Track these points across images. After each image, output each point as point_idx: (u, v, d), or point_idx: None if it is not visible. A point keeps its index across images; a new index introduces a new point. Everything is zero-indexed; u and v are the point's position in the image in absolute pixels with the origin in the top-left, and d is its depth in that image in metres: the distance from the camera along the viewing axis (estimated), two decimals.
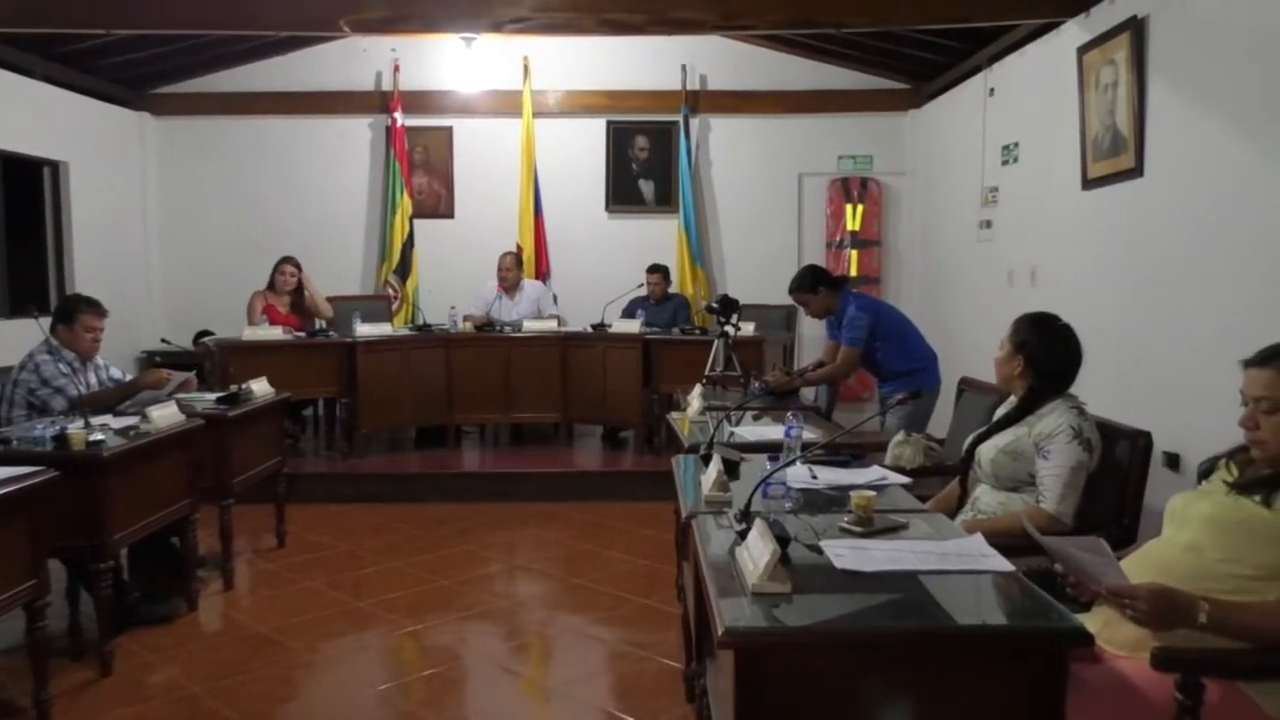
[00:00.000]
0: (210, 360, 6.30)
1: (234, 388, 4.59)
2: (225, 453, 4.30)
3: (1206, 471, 2.11)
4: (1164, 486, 2.49)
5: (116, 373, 4.46)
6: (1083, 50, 4.85)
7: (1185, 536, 1.96)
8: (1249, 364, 1.96)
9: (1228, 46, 3.80)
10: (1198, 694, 1.74)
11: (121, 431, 3.65)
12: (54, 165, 6.90)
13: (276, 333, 6.44)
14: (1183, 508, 2.02)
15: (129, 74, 7.46)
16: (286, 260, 6.85)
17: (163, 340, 7.58)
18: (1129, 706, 1.83)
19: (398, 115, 7.78)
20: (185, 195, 8.01)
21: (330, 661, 3.70)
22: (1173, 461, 3.92)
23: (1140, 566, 1.93)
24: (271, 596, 4.35)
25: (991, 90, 6.21)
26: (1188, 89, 4.08)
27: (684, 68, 7.84)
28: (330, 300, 7.19)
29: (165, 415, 3.87)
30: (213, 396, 4.49)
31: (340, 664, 3.68)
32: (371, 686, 3.44)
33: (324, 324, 6.90)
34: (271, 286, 6.83)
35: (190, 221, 8.01)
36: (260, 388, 4.75)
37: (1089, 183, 4.85)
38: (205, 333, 7.24)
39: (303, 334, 6.55)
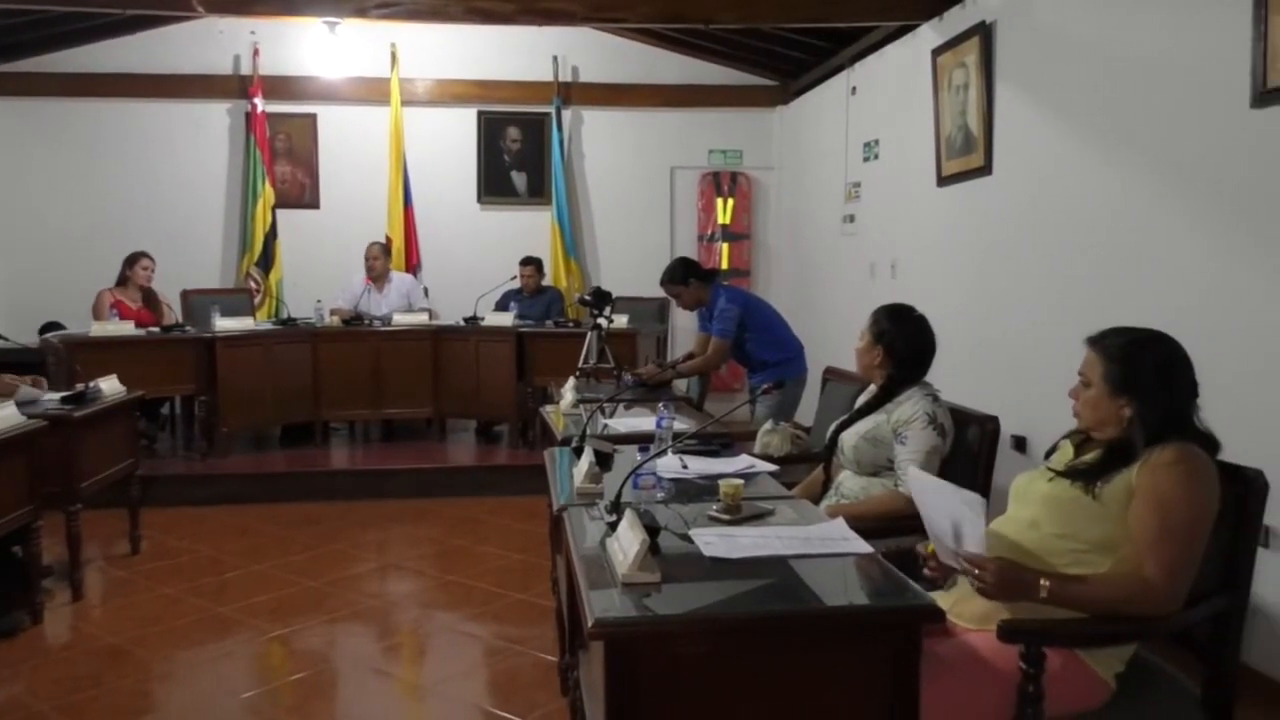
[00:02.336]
0: (55, 357, 5.92)
1: (81, 386, 4.34)
2: (72, 455, 4.06)
3: (1051, 451, 2.25)
4: (1013, 467, 2.63)
5: None
6: (937, 53, 5.07)
7: (1026, 513, 2.08)
8: (1086, 341, 2.11)
9: (1068, 53, 4.04)
10: (1040, 662, 1.86)
11: None
12: None
13: (128, 328, 6.12)
14: (1025, 486, 2.15)
15: None
16: (143, 254, 6.53)
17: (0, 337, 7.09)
18: (978, 676, 1.93)
19: (258, 101, 7.48)
20: (23, 182, 7.51)
21: (190, 671, 3.54)
22: (1020, 444, 4.16)
23: (987, 542, 2.04)
24: (125, 606, 4.14)
25: (854, 89, 6.42)
26: (1031, 92, 4.32)
27: (556, 59, 7.81)
28: (187, 293, 6.88)
29: (3, 417, 3.63)
30: (57, 396, 4.24)
31: (201, 673, 3.53)
32: (234, 695, 3.32)
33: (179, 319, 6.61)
34: (123, 282, 6.50)
35: (30, 210, 7.51)
36: (110, 386, 4.51)
37: (943, 180, 5.07)
38: (53, 325, 6.80)
39: (156, 329, 6.24)
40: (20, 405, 3.87)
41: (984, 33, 4.59)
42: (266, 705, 3.24)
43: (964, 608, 2.06)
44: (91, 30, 7.18)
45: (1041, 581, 1.89)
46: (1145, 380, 1.98)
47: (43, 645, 3.72)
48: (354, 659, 3.72)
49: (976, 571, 1.90)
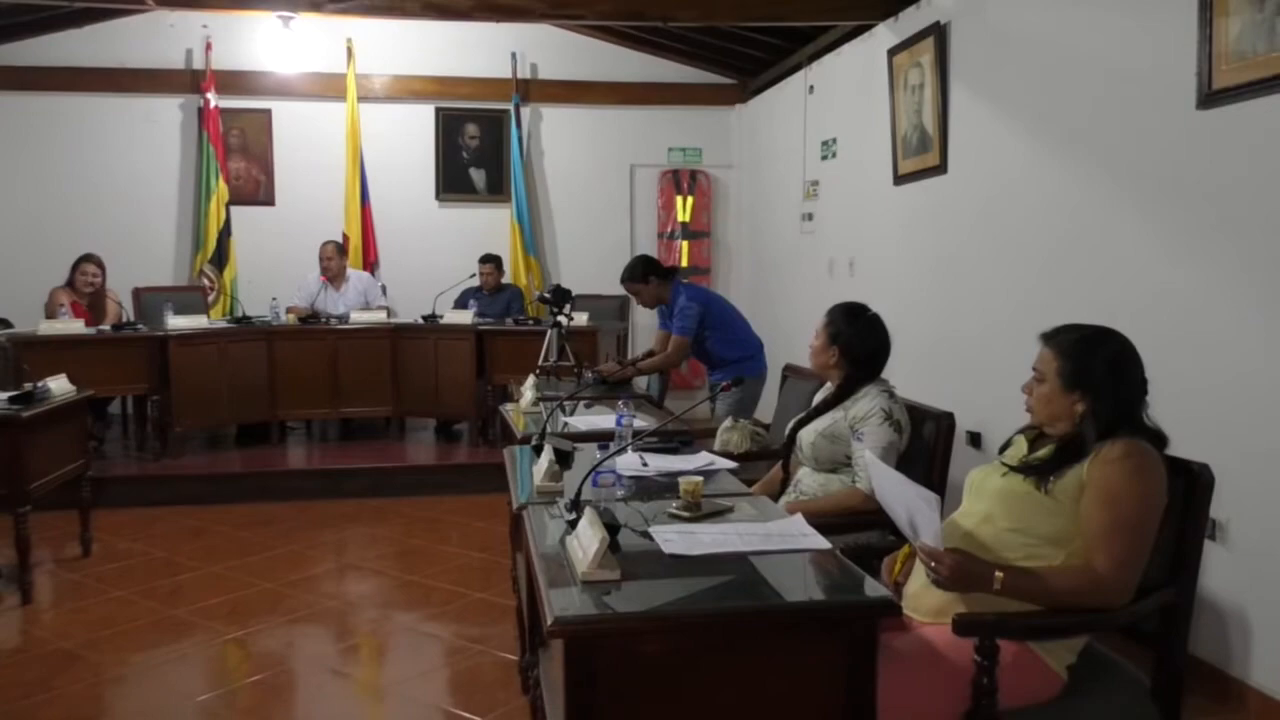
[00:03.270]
0: (1, 356, 5.79)
1: (28, 386, 4.25)
2: (19, 456, 3.98)
3: (1005, 446, 2.29)
4: (968, 463, 2.67)
5: None
6: (892, 52, 5.12)
7: (981, 507, 2.12)
8: (1040, 337, 2.14)
9: (1020, 54, 4.11)
10: (994, 655, 1.89)
11: None
12: None
13: (78, 326, 6.01)
14: (980, 481, 2.19)
15: None
16: (87, 259, 6.42)
17: None
18: (934, 669, 1.96)
19: (210, 96, 7.36)
20: None
21: (143, 675, 3.48)
22: (974, 439, 4.22)
23: (943, 536, 2.07)
24: (76, 609, 4.06)
25: (811, 88, 6.46)
26: (985, 92, 4.38)
27: (514, 55, 7.78)
28: (139, 291, 6.76)
29: None
30: (4, 395, 4.14)
31: (154, 676, 3.47)
32: (189, 698, 3.27)
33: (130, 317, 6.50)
34: (71, 285, 6.38)
35: None
36: (59, 385, 4.42)
37: (900, 178, 5.13)
38: (2, 322, 6.65)
39: (107, 327, 6.13)
40: None
41: (938, 33, 4.65)
42: (222, 708, 3.20)
43: (920, 602, 2.10)
44: (40, 23, 7.02)
45: (995, 574, 1.92)
46: (1098, 376, 2.02)
47: None
48: (312, 660, 3.68)
49: (933, 565, 1.93)
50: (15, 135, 7.36)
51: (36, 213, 7.34)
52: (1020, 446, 2.20)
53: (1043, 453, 2.09)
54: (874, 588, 1.82)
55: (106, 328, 6.13)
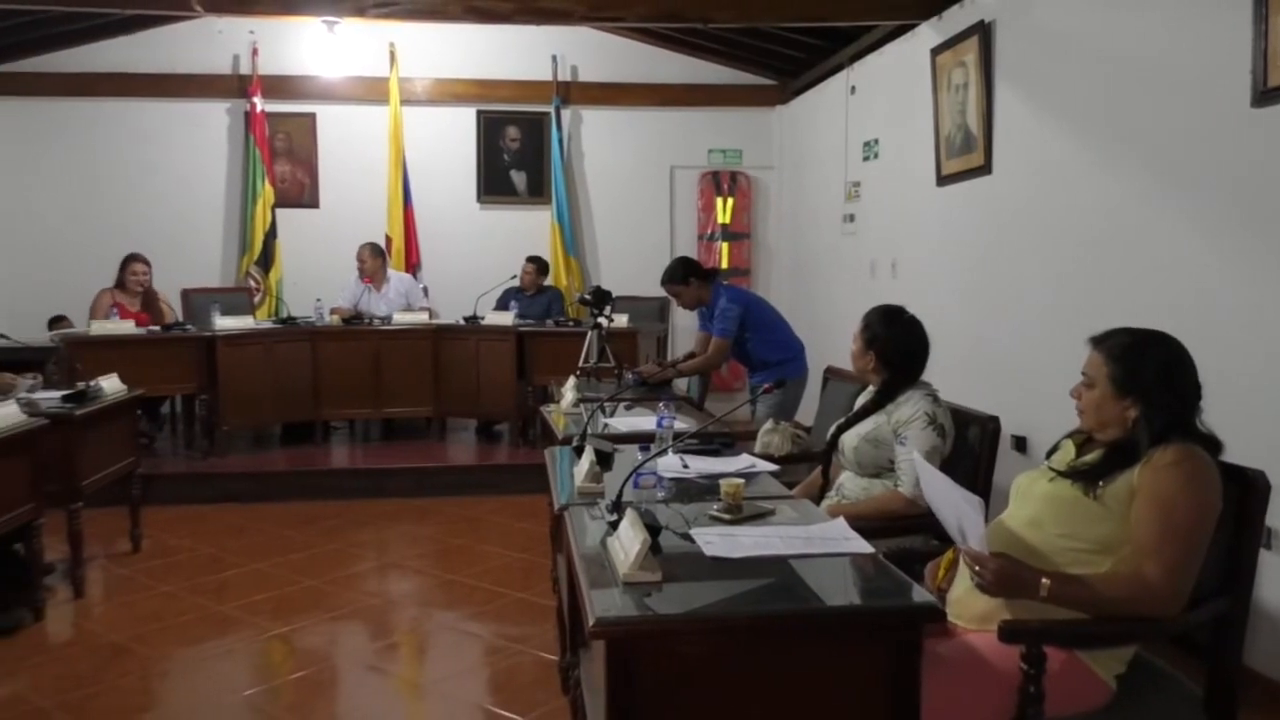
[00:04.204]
0: (56, 356, 5.93)
1: (82, 385, 4.34)
2: (73, 454, 4.07)
3: (1053, 450, 2.26)
4: (1013, 468, 2.64)
5: None
6: (936, 52, 5.07)
7: (1028, 512, 2.09)
8: (1090, 341, 2.11)
9: (1067, 52, 4.04)
10: (1040, 663, 1.86)
11: None
12: None
13: (128, 326, 6.13)
14: (1027, 485, 2.15)
15: None
16: (135, 258, 6.55)
17: (0, 335, 7.08)
18: (979, 676, 1.94)
19: (257, 100, 7.49)
20: (24, 182, 7.51)
21: (191, 669, 3.55)
22: (1020, 444, 4.16)
23: (988, 540, 2.04)
24: (126, 603, 4.14)
25: (853, 88, 6.42)
26: (1031, 92, 4.32)
27: (555, 58, 7.81)
28: (187, 292, 6.90)
29: (5, 415, 3.63)
30: (58, 394, 4.24)
31: (202, 671, 3.54)
32: (236, 693, 3.32)
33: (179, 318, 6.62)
34: (121, 285, 6.51)
35: (31, 210, 7.51)
36: (111, 385, 4.52)
37: (943, 179, 5.08)
38: (60, 318, 6.81)
39: (157, 328, 6.25)
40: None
41: (983, 32, 4.59)
42: (267, 703, 3.24)
43: (964, 608, 2.07)
44: (91, 30, 7.18)
45: (1042, 580, 1.89)
46: (1149, 381, 1.99)
47: (44, 642, 3.73)
48: (354, 657, 3.72)
49: (978, 569, 1.91)
50: (69, 140, 7.53)
51: (88, 216, 7.51)
52: (1068, 451, 2.17)
53: (1091, 457, 2.06)
54: (919, 592, 1.80)
55: (157, 328, 6.24)
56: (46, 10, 6.16)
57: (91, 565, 4.48)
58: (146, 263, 6.62)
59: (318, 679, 3.47)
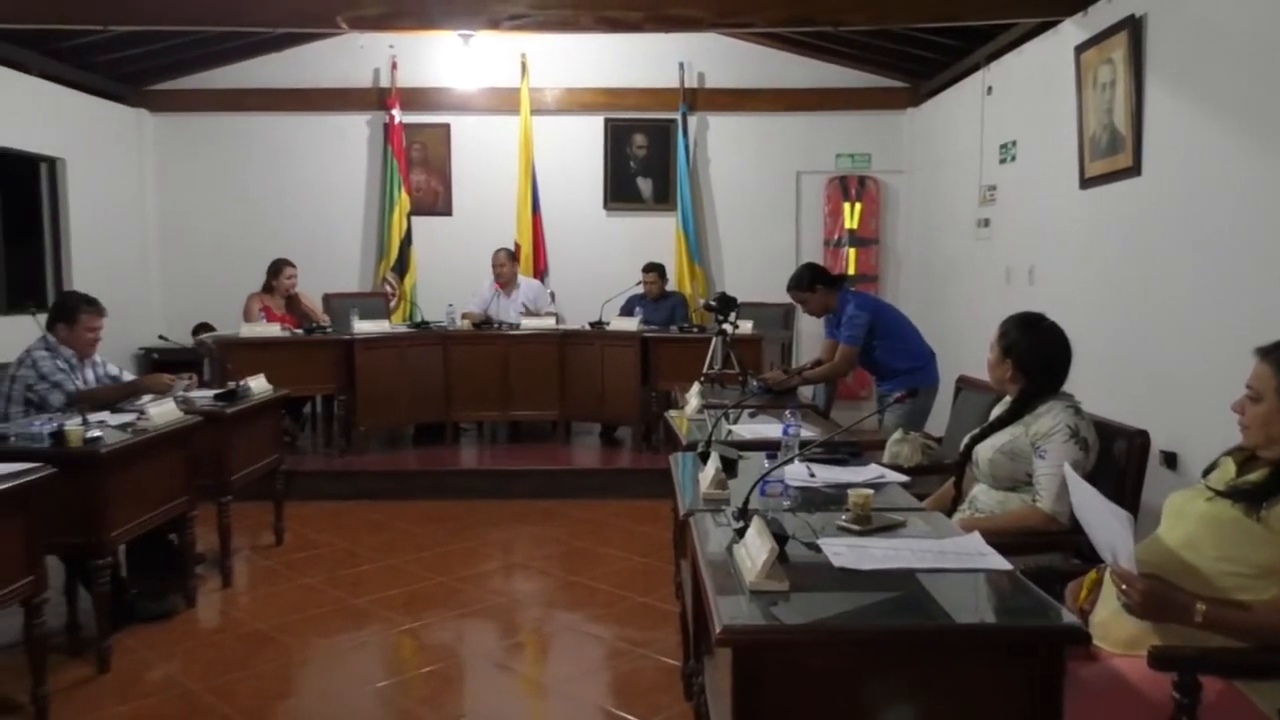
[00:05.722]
0: (209, 357, 6.30)
1: (232, 384, 4.59)
2: (223, 450, 4.30)
3: (1210, 469, 2.12)
4: (1162, 485, 2.49)
5: (114, 370, 4.45)
6: (1080, 49, 4.85)
7: (1182, 533, 1.97)
8: (1256, 352, 1.98)
9: (1225, 46, 3.81)
10: (1195, 692, 1.75)
11: (119, 428, 3.65)
12: (51, 161, 6.89)
13: (274, 330, 6.45)
14: (1181, 504, 2.03)
15: (126, 70, 7.45)
16: (286, 262, 6.88)
17: (160, 337, 7.55)
18: (1126, 705, 1.83)
19: (395, 112, 7.78)
20: (182, 192, 8.02)
21: (328, 659, 3.70)
22: (1170, 460, 3.93)
23: (1138, 560, 1.93)
24: (270, 594, 4.35)
25: (989, 89, 6.21)
26: (1185, 88, 4.09)
27: (682, 65, 7.84)
28: (328, 297, 7.21)
29: (163, 412, 3.87)
30: (211, 393, 4.49)
31: (338, 661, 3.69)
32: (369, 684, 3.45)
33: (319, 323, 6.92)
34: (269, 289, 6.85)
35: (187, 218, 8.02)
36: (258, 385, 4.75)
37: (1087, 181, 4.85)
38: (204, 326, 7.23)
39: (300, 331, 6.55)
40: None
41: (1133, 27, 4.37)
42: (399, 695, 3.35)
43: (1110, 631, 1.96)
44: (243, 49, 7.62)
45: (1197, 605, 1.78)
46: None
47: (196, 628, 3.95)
48: (480, 654, 3.81)
49: (1125, 588, 1.80)
50: (220, 152, 8.00)
51: (237, 225, 7.96)
52: (1227, 469, 2.03)
53: (1255, 476, 1.92)
54: (1060, 614, 1.72)
55: (300, 331, 6.54)
56: (205, 30, 6.56)
57: (238, 556, 4.72)
58: (295, 267, 6.94)
59: (446, 674, 3.56)
